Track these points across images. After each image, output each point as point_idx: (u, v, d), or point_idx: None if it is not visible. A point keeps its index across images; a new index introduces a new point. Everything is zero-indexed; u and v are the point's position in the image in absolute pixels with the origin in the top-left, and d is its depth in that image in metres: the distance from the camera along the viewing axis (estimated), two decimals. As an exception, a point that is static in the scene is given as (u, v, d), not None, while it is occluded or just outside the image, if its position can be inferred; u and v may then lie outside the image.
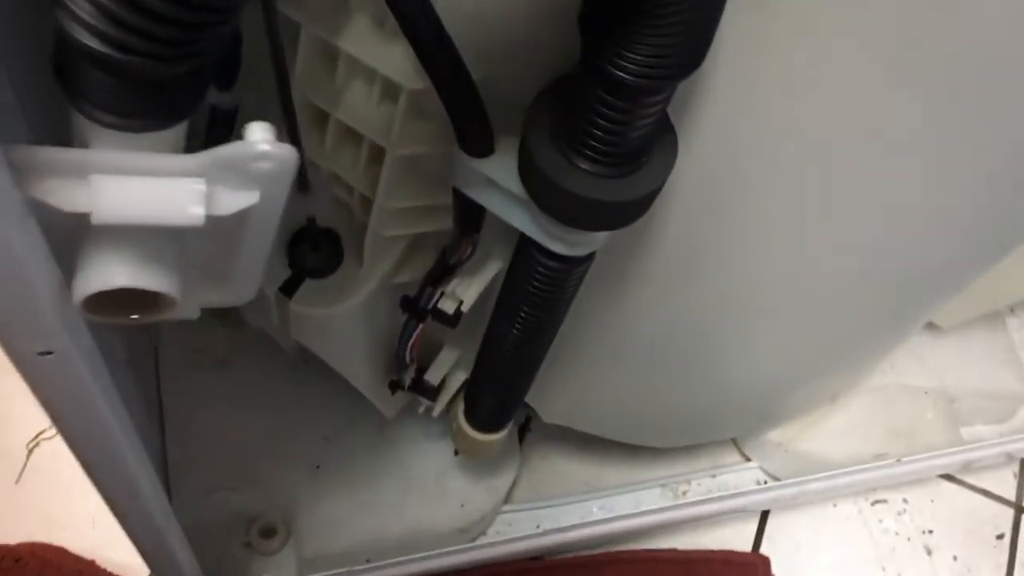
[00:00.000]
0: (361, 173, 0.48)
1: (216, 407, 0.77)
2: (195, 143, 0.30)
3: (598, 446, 0.88)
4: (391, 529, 0.76)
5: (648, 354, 0.63)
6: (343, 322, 0.54)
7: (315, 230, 0.53)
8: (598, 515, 0.82)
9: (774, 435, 0.85)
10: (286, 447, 0.77)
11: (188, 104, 0.25)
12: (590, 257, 0.44)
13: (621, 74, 0.31)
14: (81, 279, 0.27)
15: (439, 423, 0.80)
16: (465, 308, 0.54)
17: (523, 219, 0.42)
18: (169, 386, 0.77)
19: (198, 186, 0.25)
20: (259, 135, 0.25)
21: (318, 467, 0.77)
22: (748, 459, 0.88)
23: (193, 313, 0.33)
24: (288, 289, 0.53)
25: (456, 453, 0.76)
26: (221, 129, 0.49)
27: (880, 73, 0.40)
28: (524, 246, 0.45)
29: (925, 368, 0.90)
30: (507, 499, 0.83)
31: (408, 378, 0.62)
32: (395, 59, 0.42)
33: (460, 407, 0.65)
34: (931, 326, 0.89)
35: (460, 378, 0.66)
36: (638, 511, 0.78)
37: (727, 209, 0.46)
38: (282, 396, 0.79)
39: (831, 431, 0.85)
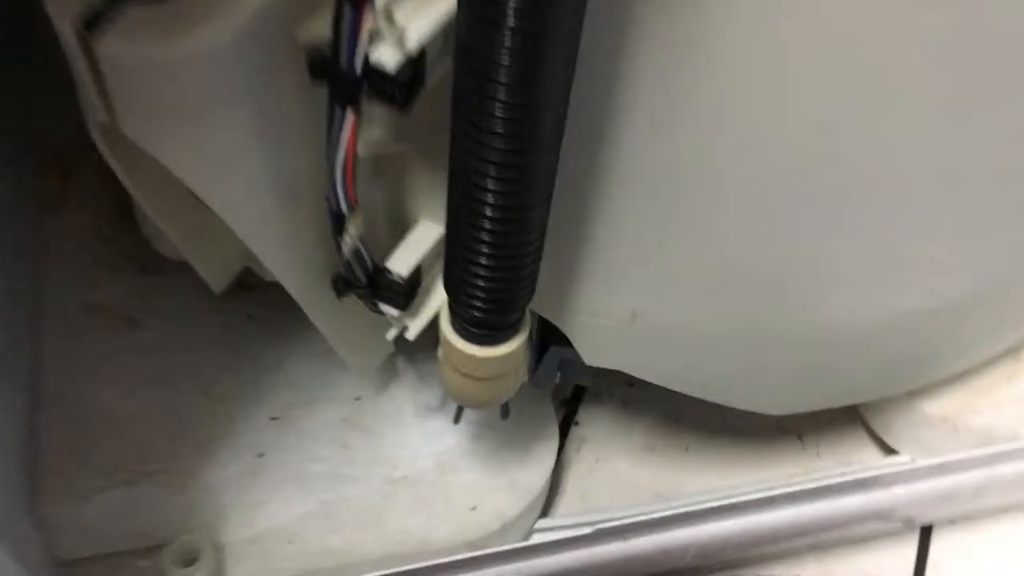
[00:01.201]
0: None
1: (116, 380, 0.54)
2: None
3: (673, 439, 0.62)
4: (367, 544, 0.50)
5: (735, 206, 0.39)
6: (204, 86, 0.31)
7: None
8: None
9: (934, 407, 0.58)
10: (216, 432, 0.53)
11: None
12: None
13: None
14: None
15: (437, 389, 0.55)
16: (413, 47, 0.30)
17: None
18: (54, 353, 0.54)
19: None
20: None
21: (261, 456, 0.52)
22: (893, 451, 0.61)
23: None
24: (95, 23, 0.30)
25: (457, 419, 0.51)
26: None
27: None
28: None
29: None
30: (546, 512, 0.57)
31: (349, 245, 0.38)
32: None
33: (445, 311, 0.40)
34: None
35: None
36: (730, 503, 0.50)
37: None
38: (212, 364, 0.55)
39: (1020, 397, 0.58)
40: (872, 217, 0.41)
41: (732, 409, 0.63)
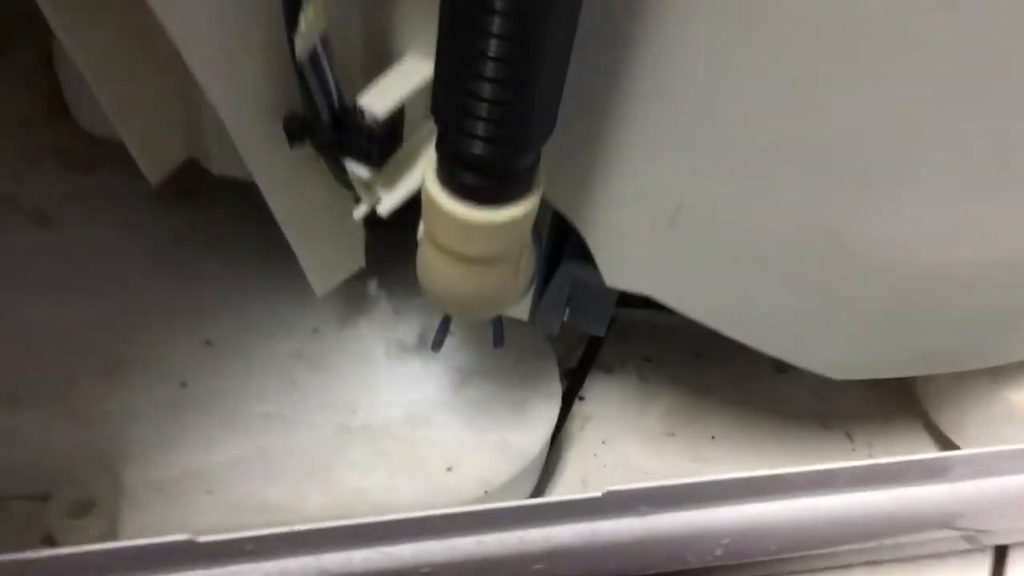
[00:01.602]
0: None
1: (19, 283, 0.43)
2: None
3: (696, 425, 0.52)
4: (309, 503, 0.39)
5: (808, 57, 0.29)
6: None
7: None
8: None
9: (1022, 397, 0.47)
10: (132, 352, 0.42)
11: None
12: None
13: None
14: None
15: (415, 325, 0.44)
16: None
17: None
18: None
19: None
20: None
21: (185, 386, 0.42)
22: (964, 455, 0.50)
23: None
24: None
25: (437, 344, 0.40)
26: None
27: None
28: None
29: None
30: (539, 491, 0.46)
31: (304, 39, 0.28)
32: None
33: (431, 166, 0.30)
34: None
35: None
36: (776, 474, 0.39)
37: None
38: (139, 275, 0.45)
39: None
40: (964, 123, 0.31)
41: (769, 394, 0.53)
